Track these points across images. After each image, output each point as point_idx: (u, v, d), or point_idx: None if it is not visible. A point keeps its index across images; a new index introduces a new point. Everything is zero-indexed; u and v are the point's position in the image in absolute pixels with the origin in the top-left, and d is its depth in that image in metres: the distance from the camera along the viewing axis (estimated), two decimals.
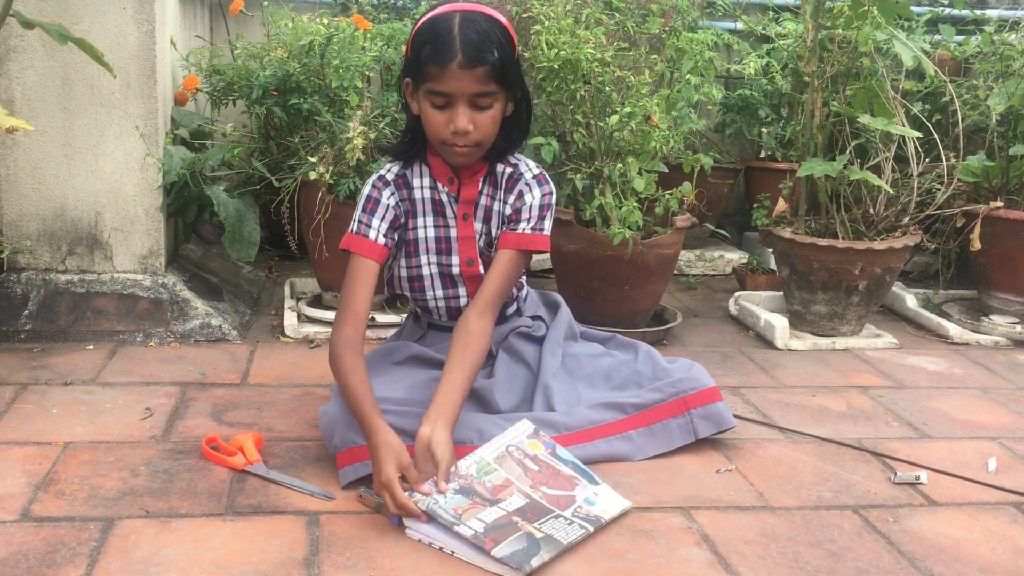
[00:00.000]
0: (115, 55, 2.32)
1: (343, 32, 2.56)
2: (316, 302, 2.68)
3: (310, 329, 2.51)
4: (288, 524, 1.52)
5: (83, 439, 1.80)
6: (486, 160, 1.81)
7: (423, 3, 3.24)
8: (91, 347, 2.32)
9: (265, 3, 3.01)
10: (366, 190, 1.80)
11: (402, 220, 1.82)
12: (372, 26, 2.72)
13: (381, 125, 2.46)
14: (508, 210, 1.82)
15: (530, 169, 1.83)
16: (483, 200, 1.83)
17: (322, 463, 1.72)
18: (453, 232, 1.83)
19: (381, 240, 1.76)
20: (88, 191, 2.41)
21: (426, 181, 1.82)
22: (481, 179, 1.83)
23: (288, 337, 2.48)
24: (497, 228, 1.84)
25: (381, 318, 2.53)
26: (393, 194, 1.80)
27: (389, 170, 1.82)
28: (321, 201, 2.41)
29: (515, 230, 1.79)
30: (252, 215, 2.56)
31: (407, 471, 1.51)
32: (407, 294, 1.90)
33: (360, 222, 1.77)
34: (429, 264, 1.85)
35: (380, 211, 1.77)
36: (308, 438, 1.85)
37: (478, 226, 1.84)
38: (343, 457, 1.64)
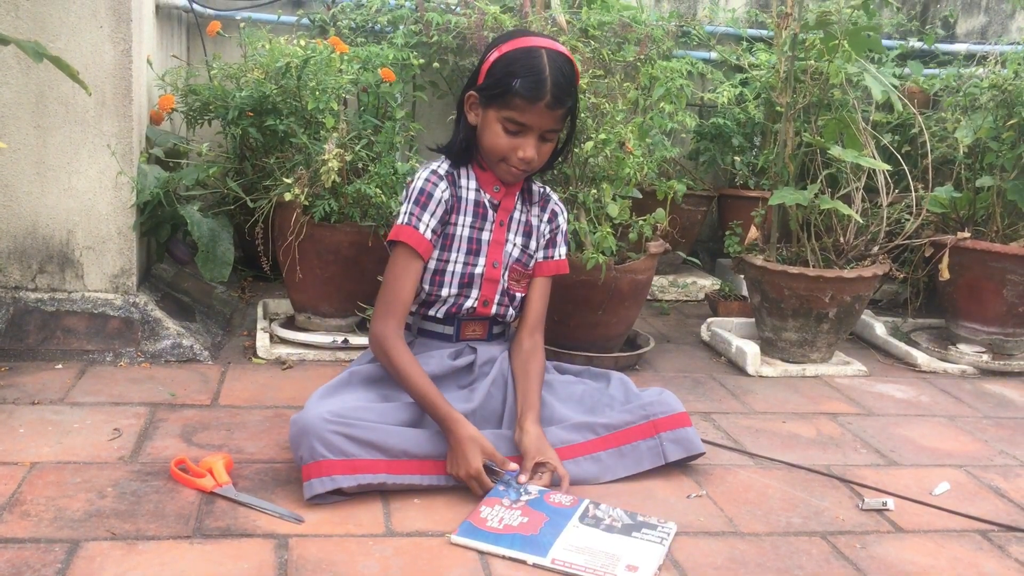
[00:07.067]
0: (91, 73, 2.31)
1: (320, 54, 2.57)
2: (289, 323, 2.67)
3: (282, 350, 2.50)
4: (257, 547, 1.51)
5: (50, 459, 1.78)
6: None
7: (400, 28, 3.26)
8: (60, 366, 2.30)
9: (242, 24, 3.02)
10: (419, 183, 1.87)
11: (449, 216, 1.90)
12: (349, 49, 2.73)
13: (357, 147, 2.47)
14: (546, 229, 2.02)
15: (554, 192, 2.07)
16: (518, 214, 1.98)
17: (292, 485, 1.71)
18: (486, 235, 1.94)
19: (428, 235, 1.85)
20: (60, 209, 2.39)
21: (471, 184, 1.93)
22: (516, 192, 1.97)
23: (260, 358, 2.47)
24: (536, 242, 2.00)
25: (355, 340, 2.53)
26: (446, 189, 1.88)
27: (440, 166, 1.91)
28: (295, 222, 2.41)
29: (552, 257, 2.03)
30: (226, 235, 2.55)
31: (493, 456, 1.70)
32: (423, 286, 1.92)
33: (412, 214, 1.85)
34: (456, 262, 1.92)
35: (432, 205, 1.86)
36: (278, 460, 1.84)
37: (511, 236, 1.97)
38: (310, 469, 1.64)
